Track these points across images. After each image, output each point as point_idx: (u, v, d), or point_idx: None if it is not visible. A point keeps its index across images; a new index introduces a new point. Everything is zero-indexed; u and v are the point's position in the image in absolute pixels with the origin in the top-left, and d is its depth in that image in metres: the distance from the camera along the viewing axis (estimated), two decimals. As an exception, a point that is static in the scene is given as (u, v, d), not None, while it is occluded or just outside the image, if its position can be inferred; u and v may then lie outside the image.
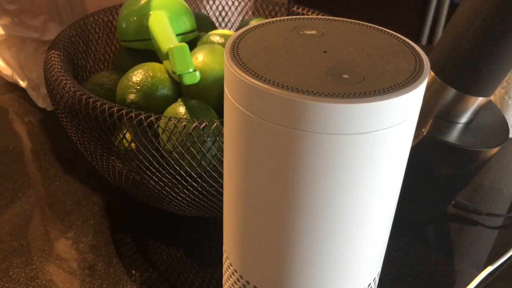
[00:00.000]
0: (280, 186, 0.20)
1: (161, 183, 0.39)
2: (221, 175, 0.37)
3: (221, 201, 0.39)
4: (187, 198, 0.39)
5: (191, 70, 0.35)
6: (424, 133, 0.41)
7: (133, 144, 0.38)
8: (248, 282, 0.24)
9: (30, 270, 0.41)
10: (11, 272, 0.41)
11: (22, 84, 0.63)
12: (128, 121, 0.35)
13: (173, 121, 0.34)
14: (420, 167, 0.43)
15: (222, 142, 0.37)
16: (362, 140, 0.19)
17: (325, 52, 0.22)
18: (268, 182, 0.20)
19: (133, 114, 0.34)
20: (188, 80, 0.36)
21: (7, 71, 0.64)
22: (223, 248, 0.26)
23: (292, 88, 0.19)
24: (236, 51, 0.21)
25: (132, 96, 0.40)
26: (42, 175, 0.52)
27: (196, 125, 0.34)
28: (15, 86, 0.67)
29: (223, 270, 0.27)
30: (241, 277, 0.25)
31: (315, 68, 0.20)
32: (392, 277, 0.42)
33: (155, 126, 0.34)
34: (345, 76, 0.20)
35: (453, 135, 0.42)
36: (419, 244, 0.46)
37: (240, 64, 0.21)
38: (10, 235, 0.45)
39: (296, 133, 0.19)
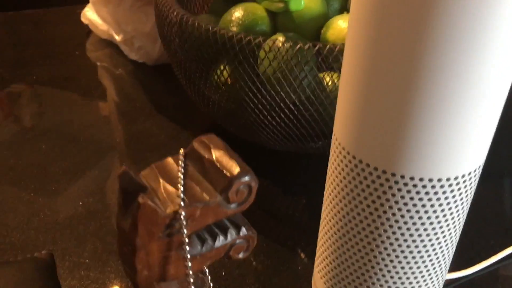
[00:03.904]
0: (407, 54, 0.22)
1: (256, 110, 0.42)
2: (313, 103, 0.40)
3: (311, 130, 0.42)
4: (281, 124, 0.42)
5: (297, -3, 0.38)
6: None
7: (229, 80, 0.41)
8: (354, 157, 0.27)
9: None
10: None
11: (117, 38, 0.68)
12: (237, 43, 0.38)
13: (280, 42, 0.37)
14: (504, 113, 0.44)
15: (319, 71, 0.40)
16: None
17: None
18: (395, 51, 0.23)
19: (242, 35, 0.38)
20: (294, 6, 0.38)
21: (103, 26, 0.70)
22: (334, 131, 0.29)
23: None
24: None
25: (234, 29, 0.44)
26: (136, 114, 0.57)
27: (301, 45, 0.37)
28: (107, 43, 0.73)
29: (331, 150, 0.29)
30: (348, 153, 0.27)
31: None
32: (471, 214, 0.43)
33: (262, 46, 0.37)
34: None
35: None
36: (498, 191, 0.47)
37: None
38: (114, 157, 0.49)
39: None
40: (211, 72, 0.44)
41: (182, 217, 0.18)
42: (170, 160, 0.20)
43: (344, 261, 0.31)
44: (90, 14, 0.71)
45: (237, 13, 0.44)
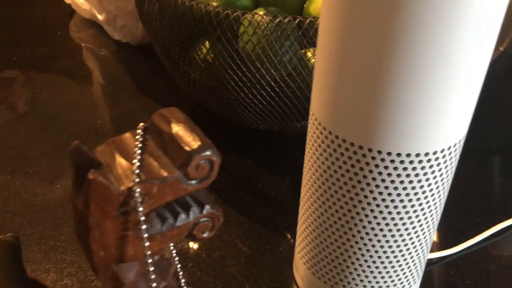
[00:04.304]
0: (380, 26, 0.21)
1: (237, 88, 0.40)
2: (295, 80, 0.39)
3: (294, 108, 0.41)
4: (263, 102, 0.41)
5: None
6: (502, 49, 0.41)
7: (209, 56, 0.40)
8: (330, 133, 0.26)
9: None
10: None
11: (100, 17, 0.66)
12: (215, 17, 0.37)
13: (259, 16, 0.36)
14: (493, 90, 0.42)
15: (300, 46, 0.38)
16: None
17: None
18: (368, 23, 0.21)
19: (220, 9, 0.36)
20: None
21: (85, 6, 0.68)
22: (310, 106, 0.28)
23: None
24: None
25: (214, 4, 0.42)
26: (119, 95, 0.56)
27: (280, 19, 0.35)
28: (91, 23, 0.71)
29: (308, 127, 0.28)
30: (324, 128, 0.26)
31: None
32: (458, 192, 0.43)
33: (241, 20, 0.36)
34: None
35: (532, 55, 0.42)
36: (486, 169, 0.46)
37: None
38: (93, 139, 0.48)
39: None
40: (191, 49, 0.42)
41: (137, 194, 0.17)
42: (128, 135, 0.19)
43: (323, 240, 0.30)
44: (72, -7, 0.69)
45: (217, -13, 0.43)
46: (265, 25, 0.36)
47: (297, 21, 0.36)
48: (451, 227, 0.39)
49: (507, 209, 0.41)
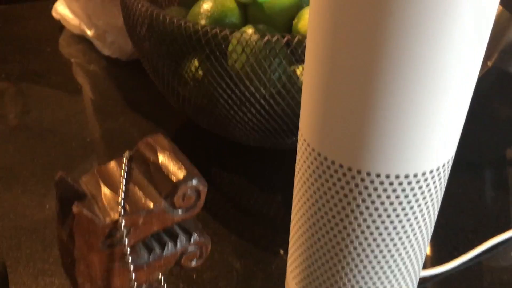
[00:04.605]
0: (367, 47, 0.21)
1: (226, 106, 0.40)
2: (284, 97, 0.39)
3: (284, 125, 0.41)
4: (253, 119, 0.41)
5: (264, -12, 0.37)
6: (490, 65, 0.41)
7: (200, 71, 0.40)
8: (319, 154, 0.25)
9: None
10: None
11: (89, 33, 0.66)
12: (203, 36, 0.37)
13: (247, 35, 0.36)
14: (482, 104, 0.43)
15: (289, 64, 0.38)
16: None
17: None
18: (355, 45, 0.21)
19: (208, 28, 0.36)
20: (261, -4, 0.37)
21: (74, 21, 0.68)
22: (299, 127, 0.27)
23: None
24: None
25: (202, 22, 0.42)
26: (109, 111, 0.55)
27: (268, 38, 0.35)
28: (80, 39, 0.71)
29: (298, 148, 0.28)
30: (313, 150, 0.26)
31: None
32: (450, 208, 0.43)
33: (229, 39, 0.36)
34: None
35: (519, 69, 0.42)
36: (478, 183, 0.46)
37: None
38: (81, 158, 0.48)
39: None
40: (180, 66, 0.42)
41: (123, 227, 0.17)
42: (113, 163, 0.19)
43: (314, 261, 0.30)
44: (61, 9, 0.69)
45: (206, 5, 0.43)
46: (254, 44, 0.36)
47: (285, 39, 0.36)
48: (443, 242, 0.39)
49: (499, 224, 0.41)
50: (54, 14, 0.71)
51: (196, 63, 0.40)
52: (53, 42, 0.71)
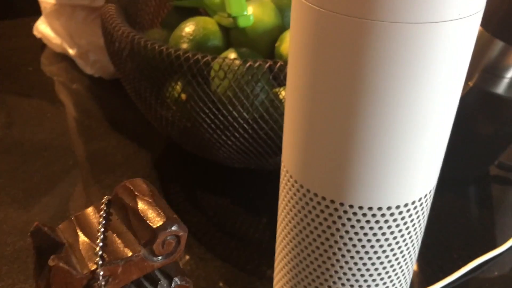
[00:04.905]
0: (347, 83, 0.21)
1: (210, 130, 0.40)
2: (267, 121, 0.39)
3: (268, 148, 0.41)
4: (237, 143, 0.40)
5: (245, 12, 0.37)
6: (471, 85, 0.42)
7: (183, 95, 0.40)
8: (301, 186, 0.25)
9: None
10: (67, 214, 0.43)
11: (71, 52, 0.65)
12: (184, 62, 0.36)
13: (229, 60, 0.36)
14: (465, 123, 0.43)
15: (271, 89, 0.38)
16: (430, 29, 0.19)
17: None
18: (335, 80, 0.21)
19: (189, 54, 0.36)
20: (243, 22, 0.37)
21: (56, 40, 0.67)
22: (282, 158, 0.27)
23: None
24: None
25: (184, 46, 0.42)
26: (93, 132, 0.55)
27: (251, 64, 0.35)
28: (63, 57, 0.70)
29: (281, 178, 0.28)
30: (295, 182, 0.26)
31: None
32: (435, 227, 0.43)
33: (211, 65, 0.36)
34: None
35: (500, 89, 0.42)
36: (462, 201, 0.46)
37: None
38: (64, 180, 0.47)
39: (366, 23, 0.19)
40: (163, 90, 0.42)
41: (101, 277, 0.17)
42: (91, 209, 0.19)
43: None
44: (43, 28, 0.68)
45: (188, 28, 0.43)
46: (236, 69, 0.36)
47: (267, 65, 0.36)
48: (429, 263, 0.39)
49: (484, 242, 0.41)
50: (35, 32, 0.71)
51: (178, 87, 0.40)
52: (35, 60, 0.70)
